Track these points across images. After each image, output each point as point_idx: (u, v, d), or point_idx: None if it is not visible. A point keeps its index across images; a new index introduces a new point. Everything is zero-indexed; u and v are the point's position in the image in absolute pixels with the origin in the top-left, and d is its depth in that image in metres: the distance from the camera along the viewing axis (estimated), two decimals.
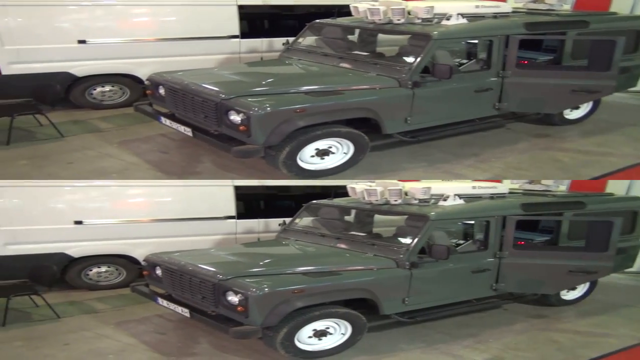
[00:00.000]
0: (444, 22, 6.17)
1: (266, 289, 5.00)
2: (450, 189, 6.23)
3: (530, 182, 7.14)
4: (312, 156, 5.64)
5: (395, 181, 6.01)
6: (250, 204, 7.57)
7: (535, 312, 6.83)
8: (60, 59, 6.80)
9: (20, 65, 6.65)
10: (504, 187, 6.82)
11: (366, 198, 6.17)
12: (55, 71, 6.82)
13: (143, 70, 6.98)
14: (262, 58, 7.51)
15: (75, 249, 6.90)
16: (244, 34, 7.43)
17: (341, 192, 6.77)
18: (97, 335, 5.93)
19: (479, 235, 6.33)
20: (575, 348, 6.00)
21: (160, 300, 5.83)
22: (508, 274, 6.26)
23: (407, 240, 5.82)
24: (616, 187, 8.03)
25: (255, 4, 7.49)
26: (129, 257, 7.13)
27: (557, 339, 6.19)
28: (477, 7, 6.49)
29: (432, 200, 6.21)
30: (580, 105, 7.10)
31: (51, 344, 5.73)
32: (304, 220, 6.73)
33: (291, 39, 6.81)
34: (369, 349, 5.68)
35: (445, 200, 6.15)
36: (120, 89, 7.29)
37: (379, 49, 6.71)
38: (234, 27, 7.38)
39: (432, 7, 6.16)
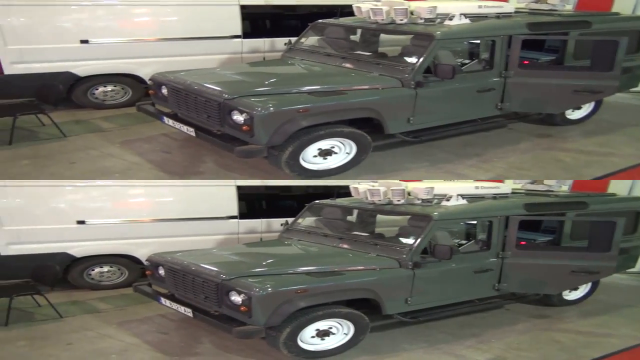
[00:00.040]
0: (447, 22, 6.17)
1: (269, 289, 5.00)
2: (453, 189, 6.23)
3: (533, 182, 7.15)
4: (315, 156, 5.64)
5: (397, 181, 6.02)
6: (253, 203, 7.57)
7: (538, 312, 6.84)
8: (63, 58, 6.80)
9: (23, 65, 6.64)
10: (506, 187, 6.83)
11: (369, 198, 6.17)
12: (57, 71, 6.81)
13: (145, 70, 6.97)
14: (264, 58, 7.50)
15: (78, 249, 6.90)
16: (246, 34, 7.42)
17: (344, 192, 6.77)
18: (99, 335, 5.93)
19: (482, 235, 6.33)
20: (578, 348, 6.01)
21: (162, 300, 5.83)
22: (510, 274, 6.26)
23: (409, 241, 5.82)
24: (618, 187, 8.05)
25: (258, 3, 7.47)
26: (131, 257, 7.13)
27: (560, 339, 6.20)
28: (479, 7, 6.49)
29: (435, 201, 6.21)
30: (583, 106, 7.11)
31: (54, 343, 5.73)
32: (307, 220, 6.74)
33: (293, 39, 6.81)
34: (372, 348, 5.68)
35: (448, 200, 6.15)
36: (123, 88, 7.28)
37: (381, 49, 6.71)
38: (236, 27, 7.37)
39: (434, 7, 6.16)
